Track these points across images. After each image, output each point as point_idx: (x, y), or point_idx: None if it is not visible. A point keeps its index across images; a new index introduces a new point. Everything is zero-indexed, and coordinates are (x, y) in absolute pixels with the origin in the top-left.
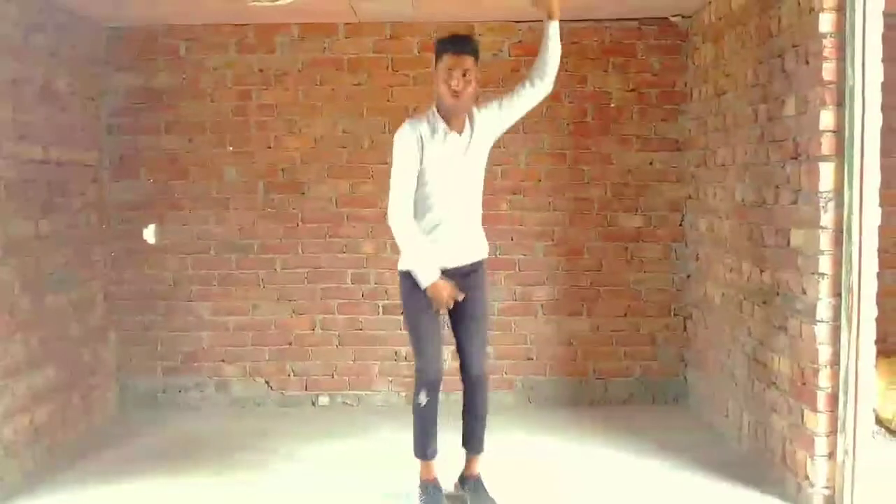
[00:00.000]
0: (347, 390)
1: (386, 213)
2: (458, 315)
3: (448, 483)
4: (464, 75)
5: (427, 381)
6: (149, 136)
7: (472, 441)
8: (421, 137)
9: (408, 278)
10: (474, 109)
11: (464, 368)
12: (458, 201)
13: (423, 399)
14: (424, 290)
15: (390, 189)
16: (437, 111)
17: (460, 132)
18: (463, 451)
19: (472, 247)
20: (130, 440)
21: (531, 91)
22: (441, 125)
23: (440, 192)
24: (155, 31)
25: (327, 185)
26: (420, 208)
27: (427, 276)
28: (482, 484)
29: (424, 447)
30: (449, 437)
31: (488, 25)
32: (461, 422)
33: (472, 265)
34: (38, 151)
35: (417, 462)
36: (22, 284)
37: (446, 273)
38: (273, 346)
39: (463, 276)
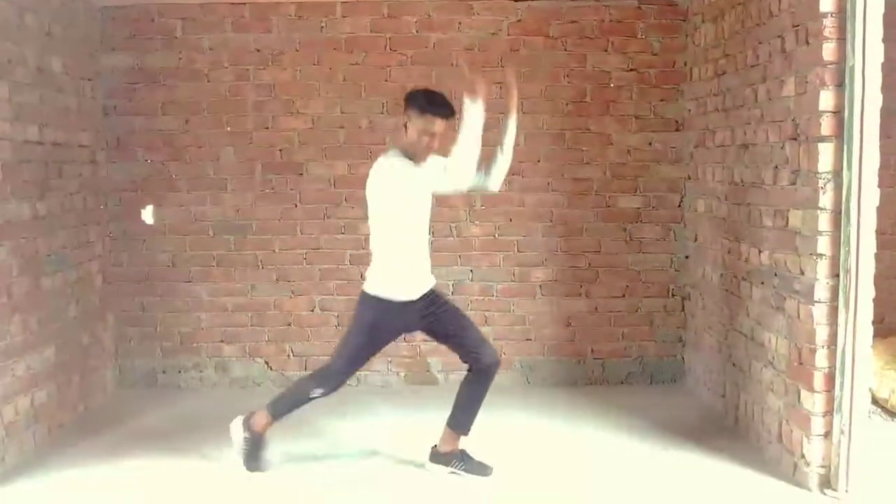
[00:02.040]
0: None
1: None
2: (446, 324)
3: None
4: (441, 137)
5: (333, 386)
6: (145, 117)
7: (469, 422)
8: (401, 171)
9: (367, 301)
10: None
11: (477, 361)
12: (422, 232)
13: (317, 393)
14: (386, 328)
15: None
16: (401, 152)
17: (422, 166)
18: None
19: (428, 275)
20: (129, 420)
21: (445, 177)
22: (409, 162)
23: (413, 223)
24: (150, 10)
25: (325, 166)
26: (397, 240)
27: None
28: (467, 452)
29: (284, 413)
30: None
31: (486, 5)
32: (456, 402)
33: (430, 290)
34: (33, 132)
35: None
36: (19, 266)
37: (411, 303)
38: (272, 327)
39: (427, 302)
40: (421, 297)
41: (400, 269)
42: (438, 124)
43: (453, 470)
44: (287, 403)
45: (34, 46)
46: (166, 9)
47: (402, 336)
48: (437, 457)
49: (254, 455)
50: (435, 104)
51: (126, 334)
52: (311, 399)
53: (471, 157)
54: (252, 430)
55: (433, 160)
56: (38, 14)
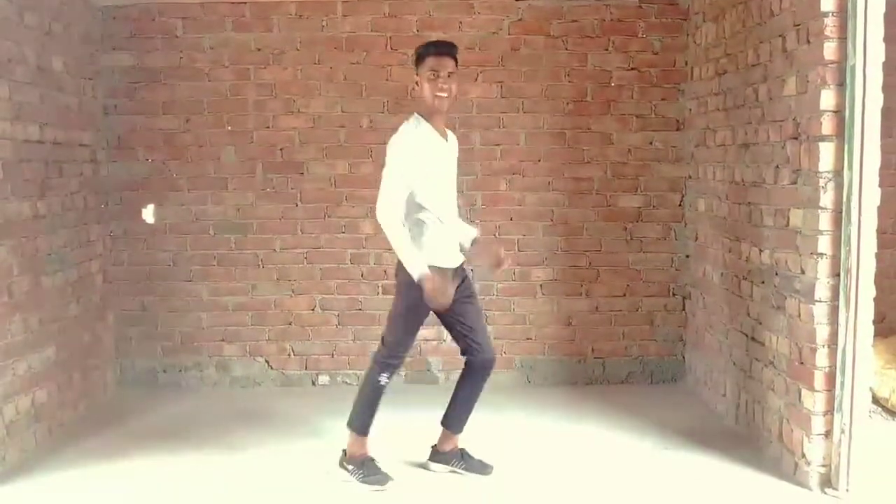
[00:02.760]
0: (347, 369)
1: (378, 209)
2: (463, 307)
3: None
4: (448, 76)
5: (396, 366)
6: (146, 116)
7: (462, 420)
8: (423, 141)
9: (408, 272)
10: (449, 132)
11: (478, 353)
12: (450, 203)
13: (384, 380)
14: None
15: (386, 188)
16: (422, 117)
17: (445, 139)
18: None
19: (458, 247)
20: (130, 420)
21: None
22: (433, 131)
23: (438, 194)
24: (151, 9)
25: (326, 165)
26: (420, 209)
27: (419, 269)
28: (466, 451)
29: (366, 422)
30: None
31: (487, 3)
32: (450, 400)
33: (462, 266)
34: (34, 132)
35: (355, 437)
36: (20, 265)
37: (448, 272)
38: (273, 326)
39: (459, 277)
40: (455, 270)
41: (438, 235)
42: (433, 61)
43: (453, 469)
44: (363, 410)
45: (34, 45)
46: (167, 8)
47: None
48: (437, 455)
49: (372, 475)
50: (427, 44)
51: (127, 333)
52: (383, 387)
53: (389, 233)
54: (355, 460)
55: (456, 145)
56: (39, 13)
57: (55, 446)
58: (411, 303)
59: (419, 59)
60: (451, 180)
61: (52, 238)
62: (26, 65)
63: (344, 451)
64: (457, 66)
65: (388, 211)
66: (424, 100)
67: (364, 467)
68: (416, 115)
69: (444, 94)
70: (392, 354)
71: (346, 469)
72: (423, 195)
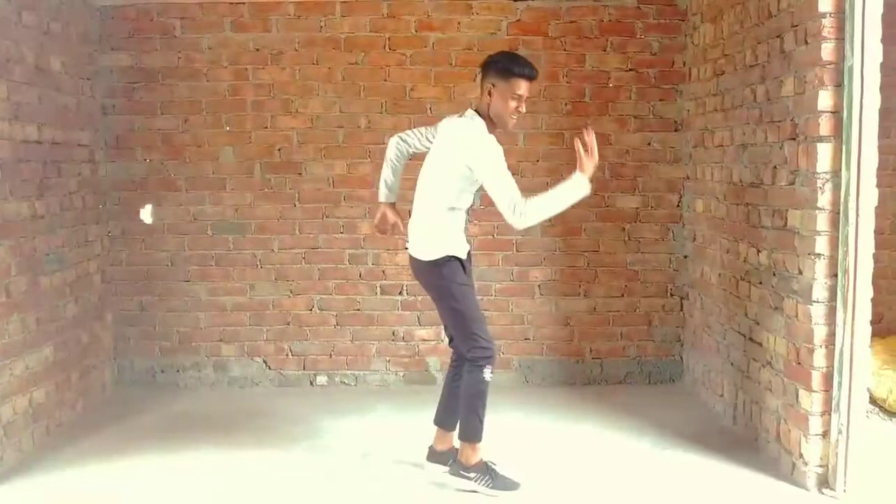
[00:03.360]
0: (345, 370)
1: (513, 212)
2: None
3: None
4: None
5: (493, 357)
6: (144, 116)
7: (455, 420)
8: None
9: (447, 264)
10: None
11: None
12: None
13: (488, 375)
14: (462, 267)
15: (502, 191)
16: (485, 118)
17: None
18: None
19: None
20: (128, 420)
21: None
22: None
23: (475, 193)
24: (149, 9)
25: (324, 166)
26: (465, 204)
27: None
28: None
29: (479, 428)
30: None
31: (486, 4)
32: (441, 398)
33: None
34: (32, 131)
35: (471, 446)
36: (18, 265)
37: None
38: (271, 326)
39: (469, 267)
40: (468, 258)
41: (460, 228)
42: (524, 86)
43: (446, 470)
44: (473, 416)
45: (33, 45)
46: (165, 8)
47: (401, 335)
48: (434, 455)
49: (498, 480)
50: (521, 65)
51: (125, 333)
52: (488, 383)
53: (540, 212)
54: (478, 467)
55: None
56: (37, 12)
57: (53, 446)
58: (452, 281)
59: (507, 73)
60: None
61: (50, 238)
62: (24, 64)
63: (454, 461)
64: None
65: (520, 212)
66: (498, 114)
67: (489, 473)
68: (475, 113)
69: (516, 118)
70: (479, 345)
71: (466, 478)
72: (469, 193)
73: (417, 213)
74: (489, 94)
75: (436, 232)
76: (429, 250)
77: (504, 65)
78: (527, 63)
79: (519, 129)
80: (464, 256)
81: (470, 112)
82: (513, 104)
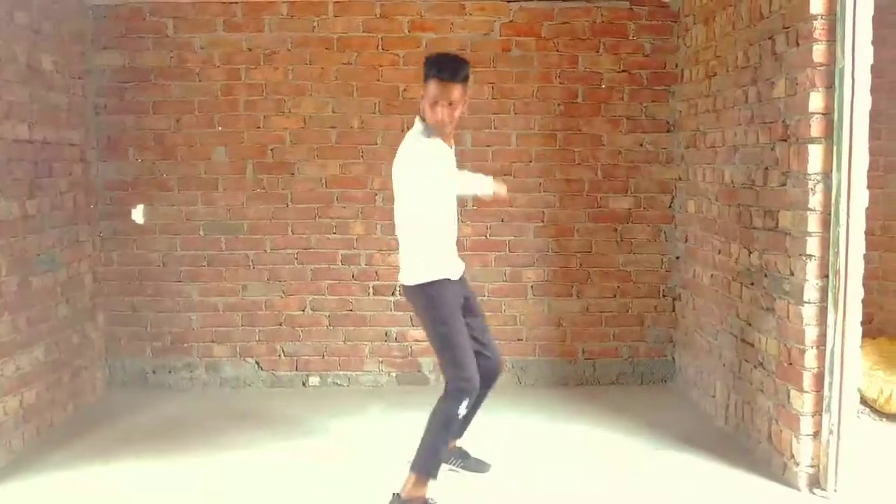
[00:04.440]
0: (338, 371)
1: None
2: (472, 317)
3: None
4: (450, 105)
5: (472, 389)
6: (136, 116)
7: (462, 428)
8: (438, 153)
9: (431, 287)
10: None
11: (491, 363)
12: (454, 211)
13: (463, 409)
14: (452, 290)
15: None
16: (426, 128)
17: (451, 146)
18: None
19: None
20: (119, 421)
21: None
22: (436, 140)
23: (450, 205)
24: (141, 8)
25: (317, 166)
26: (441, 221)
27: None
28: (465, 450)
29: (437, 464)
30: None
31: (479, 4)
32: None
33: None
34: (23, 131)
35: (422, 480)
36: (9, 265)
37: (456, 283)
38: (263, 327)
39: (463, 286)
40: (460, 279)
41: (446, 249)
42: (440, 90)
43: (452, 467)
44: (439, 448)
45: (24, 44)
46: (158, 7)
47: (394, 336)
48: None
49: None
50: (433, 62)
51: (116, 334)
52: (461, 416)
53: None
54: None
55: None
56: (29, 11)
57: (44, 447)
58: (439, 311)
59: (425, 76)
60: (453, 188)
61: (41, 238)
62: (16, 63)
63: (396, 494)
64: (465, 86)
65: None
66: (429, 120)
67: None
68: (418, 119)
69: (444, 125)
70: (459, 376)
71: None
72: (436, 208)
73: (399, 237)
74: (422, 97)
75: (413, 254)
76: (410, 274)
77: (425, 67)
78: (443, 62)
79: (511, 129)
80: (453, 276)
81: (417, 119)
82: (432, 109)
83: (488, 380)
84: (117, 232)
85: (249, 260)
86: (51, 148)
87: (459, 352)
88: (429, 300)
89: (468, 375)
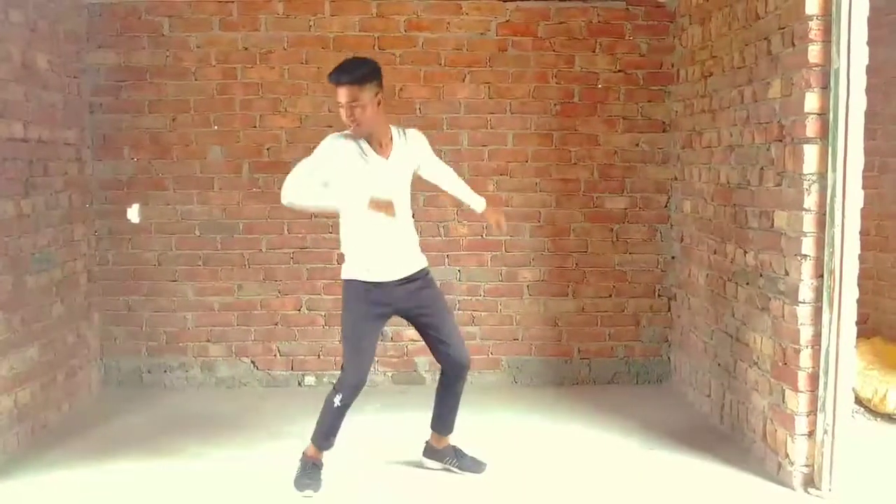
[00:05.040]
0: (334, 370)
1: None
2: (429, 317)
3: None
4: (345, 105)
5: (350, 385)
6: (132, 115)
7: (448, 424)
8: (347, 152)
9: (351, 287)
10: (400, 135)
11: (451, 359)
12: (387, 221)
13: (337, 401)
14: (365, 292)
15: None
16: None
17: (385, 155)
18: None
19: (408, 260)
20: (114, 420)
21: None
22: (364, 146)
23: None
24: (137, 7)
25: None
26: (357, 221)
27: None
28: (460, 449)
29: (325, 438)
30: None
31: (475, 4)
32: (434, 405)
33: (415, 275)
34: (18, 129)
35: (313, 446)
36: (3, 264)
37: (386, 285)
38: (259, 326)
39: (412, 287)
40: (400, 281)
41: (365, 250)
42: (339, 93)
43: (447, 466)
44: (324, 426)
45: (19, 42)
46: (153, 6)
47: (389, 336)
48: (431, 451)
49: (306, 479)
50: (332, 71)
51: (111, 333)
52: (337, 408)
53: (294, 196)
54: (306, 459)
55: (411, 145)
56: (24, 9)
57: (38, 447)
58: (345, 309)
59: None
60: (389, 192)
61: (36, 237)
62: (11, 62)
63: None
64: (361, 89)
65: (284, 191)
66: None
67: (306, 469)
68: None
69: (353, 125)
70: (345, 375)
71: (301, 464)
72: (350, 207)
73: None
74: None
75: (344, 249)
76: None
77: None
78: (338, 68)
79: (508, 129)
80: (371, 278)
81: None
82: (340, 111)
83: (452, 374)
84: (112, 231)
85: (245, 259)
86: (46, 147)
87: (350, 353)
88: (343, 295)
89: (347, 376)
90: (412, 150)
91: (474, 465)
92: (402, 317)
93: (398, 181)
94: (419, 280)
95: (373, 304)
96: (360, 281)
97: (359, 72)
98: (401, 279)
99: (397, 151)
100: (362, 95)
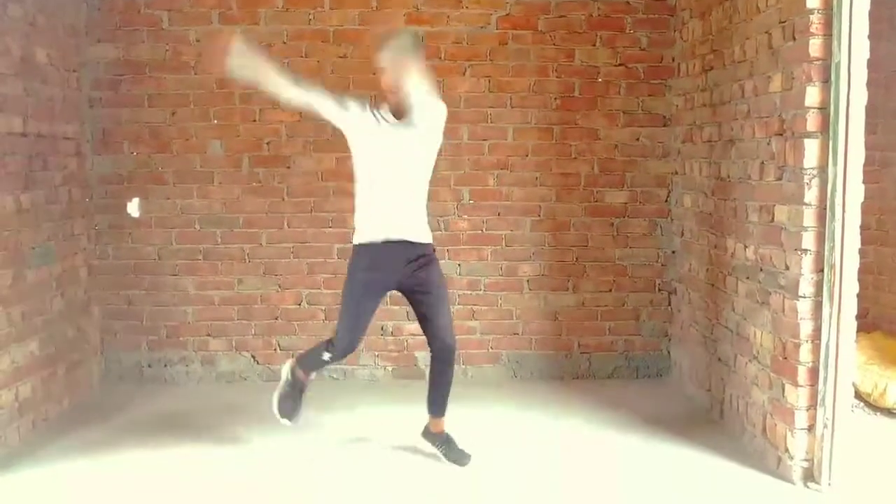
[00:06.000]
0: (334, 364)
1: None
2: (421, 295)
3: None
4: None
5: (340, 349)
6: (131, 109)
7: (439, 406)
8: (364, 115)
9: (359, 254)
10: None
11: (437, 341)
12: (395, 184)
13: (326, 356)
14: (370, 260)
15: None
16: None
17: (403, 122)
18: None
19: (414, 227)
20: (115, 415)
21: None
22: (384, 114)
23: (376, 172)
24: (136, 1)
25: (313, 159)
26: (366, 187)
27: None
28: (453, 439)
29: (304, 366)
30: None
31: None
32: (427, 390)
33: (421, 247)
34: (17, 124)
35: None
36: (3, 259)
37: (388, 248)
38: (259, 321)
39: (416, 262)
40: (405, 245)
41: (369, 214)
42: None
43: (436, 451)
44: (307, 361)
45: (18, 36)
46: (153, 0)
47: (390, 330)
48: (427, 434)
49: (286, 400)
50: (415, 39)
51: (111, 328)
52: (323, 362)
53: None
54: (295, 376)
55: (425, 112)
56: (23, 4)
57: (39, 441)
58: (349, 279)
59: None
60: (399, 161)
61: (36, 232)
62: (10, 56)
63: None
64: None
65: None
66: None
67: (294, 388)
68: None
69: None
70: (337, 339)
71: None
72: (361, 166)
73: None
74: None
75: (356, 216)
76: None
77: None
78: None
79: (508, 123)
80: (373, 238)
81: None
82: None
83: (439, 357)
84: (112, 225)
85: (245, 254)
86: (45, 141)
87: (345, 318)
88: (349, 262)
89: (339, 340)
90: (437, 123)
91: (460, 458)
92: (400, 291)
93: (416, 150)
94: (424, 257)
95: (374, 270)
96: (364, 245)
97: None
98: (405, 242)
99: (412, 122)
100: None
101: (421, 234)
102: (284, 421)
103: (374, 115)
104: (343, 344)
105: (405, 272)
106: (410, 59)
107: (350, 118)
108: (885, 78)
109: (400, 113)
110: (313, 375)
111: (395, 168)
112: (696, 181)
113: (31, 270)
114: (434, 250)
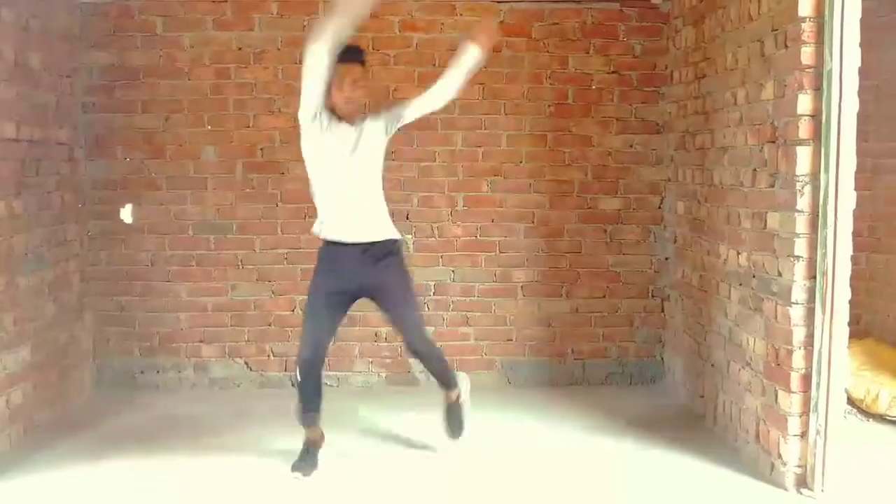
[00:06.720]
0: (327, 371)
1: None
2: (381, 300)
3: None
4: (359, 84)
5: (301, 358)
6: (125, 115)
7: (445, 382)
8: (313, 124)
9: (318, 259)
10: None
11: (409, 347)
12: (346, 187)
13: (298, 376)
14: (328, 262)
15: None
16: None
17: (346, 121)
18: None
19: (370, 226)
20: (107, 421)
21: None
22: (333, 119)
23: (328, 176)
24: (130, 7)
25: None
26: (319, 188)
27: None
28: (460, 408)
29: (298, 414)
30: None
31: (469, 5)
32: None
33: (380, 245)
34: (10, 129)
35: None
36: None
37: (346, 249)
38: (252, 327)
39: (377, 263)
40: (357, 248)
41: (322, 218)
42: (354, 71)
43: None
44: (297, 413)
45: (11, 41)
46: (147, 5)
47: (384, 336)
48: (443, 404)
49: (297, 458)
50: (354, 51)
51: (104, 334)
52: (297, 383)
53: (451, 86)
54: (306, 440)
55: (375, 118)
56: (16, 8)
57: (31, 448)
58: (310, 284)
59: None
60: (341, 164)
61: (28, 237)
62: (3, 61)
63: None
64: (364, 70)
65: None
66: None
67: (302, 451)
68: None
69: (355, 101)
70: (300, 346)
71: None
72: (309, 174)
73: None
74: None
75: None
76: None
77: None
78: (356, 49)
79: (502, 130)
80: (330, 237)
81: None
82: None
83: (423, 358)
84: (105, 231)
85: (238, 260)
86: (38, 147)
87: (303, 325)
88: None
89: (299, 349)
90: (376, 123)
91: (451, 431)
92: (366, 296)
93: (364, 149)
94: (386, 258)
95: (329, 274)
96: (321, 249)
97: (365, 54)
98: (360, 244)
99: (364, 123)
100: (365, 75)
101: (377, 232)
102: (296, 474)
103: (320, 123)
104: (302, 352)
105: (362, 273)
106: (356, 66)
107: (306, 118)
108: (876, 85)
109: (348, 116)
110: (320, 426)
111: (339, 171)
112: (689, 188)
113: (23, 276)
114: (400, 246)
